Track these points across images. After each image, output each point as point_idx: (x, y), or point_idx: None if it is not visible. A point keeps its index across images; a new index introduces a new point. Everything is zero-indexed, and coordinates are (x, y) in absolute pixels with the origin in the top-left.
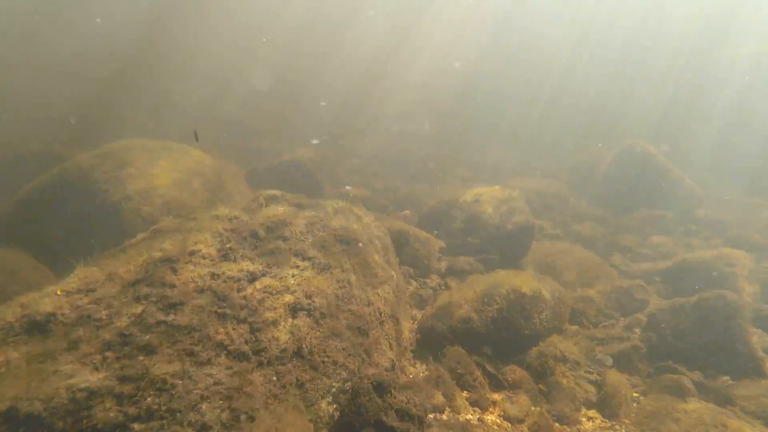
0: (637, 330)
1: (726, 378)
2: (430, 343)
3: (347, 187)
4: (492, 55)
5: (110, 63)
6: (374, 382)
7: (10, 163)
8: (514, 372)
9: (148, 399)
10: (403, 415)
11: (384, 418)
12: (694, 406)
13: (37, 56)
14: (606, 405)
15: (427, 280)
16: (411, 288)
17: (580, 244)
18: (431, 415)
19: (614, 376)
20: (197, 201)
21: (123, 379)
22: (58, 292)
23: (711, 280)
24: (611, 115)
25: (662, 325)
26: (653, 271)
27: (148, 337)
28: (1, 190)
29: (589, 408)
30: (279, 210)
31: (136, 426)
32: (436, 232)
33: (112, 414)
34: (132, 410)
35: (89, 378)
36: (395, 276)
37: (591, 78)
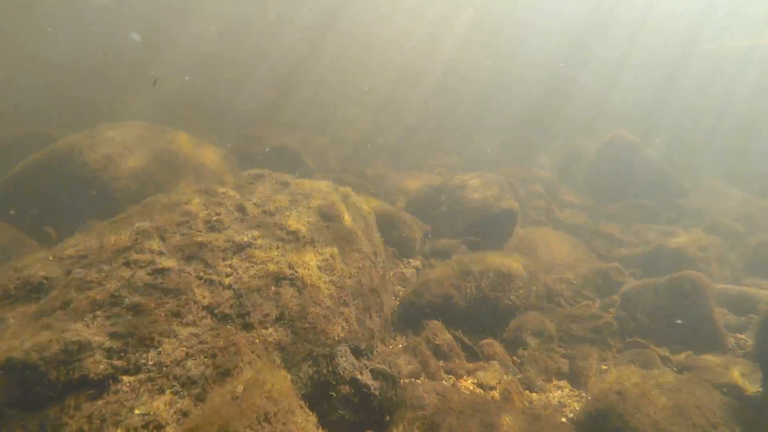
0: (612, 310)
1: (689, 352)
2: (410, 318)
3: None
4: (485, 48)
5: (108, 52)
6: (351, 345)
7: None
8: (491, 345)
9: (136, 354)
10: (378, 374)
11: (359, 376)
12: (656, 373)
13: (37, 47)
14: (576, 376)
15: (411, 260)
16: (396, 268)
17: (564, 231)
18: (407, 380)
19: (584, 350)
20: (187, 181)
21: (113, 335)
22: (51, 258)
23: (684, 264)
24: (605, 109)
25: (634, 304)
26: (632, 256)
27: (136, 298)
28: None
29: (560, 379)
30: (266, 186)
31: (124, 378)
32: (422, 216)
33: (102, 366)
34: (120, 363)
35: (80, 332)
36: (378, 253)
37: (586, 73)
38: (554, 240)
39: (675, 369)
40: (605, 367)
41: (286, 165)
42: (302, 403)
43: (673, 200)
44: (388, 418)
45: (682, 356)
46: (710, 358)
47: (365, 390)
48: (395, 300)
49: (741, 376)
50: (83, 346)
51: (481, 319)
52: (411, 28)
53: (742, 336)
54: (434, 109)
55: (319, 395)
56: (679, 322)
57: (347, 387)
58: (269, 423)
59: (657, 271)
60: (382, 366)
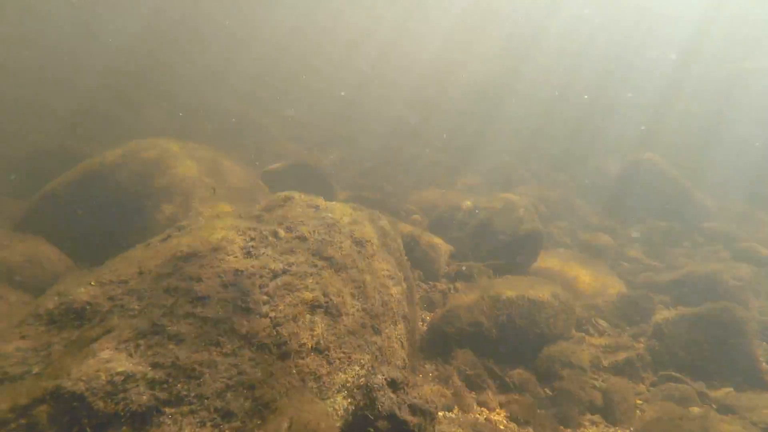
0: (642, 339)
1: (729, 389)
2: (439, 345)
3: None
4: (504, 63)
5: (128, 62)
6: (388, 378)
7: (30, 159)
8: (521, 375)
9: (178, 385)
10: (416, 410)
11: (397, 412)
12: (696, 413)
13: (54, 57)
14: (610, 410)
15: (437, 284)
16: (420, 291)
17: (588, 253)
18: (441, 413)
19: (619, 383)
20: (218, 200)
21: (155, 366)
22: (92, 283)
23: (717, 293)
24: (625, 127)
25: (667, 335)
26: (660, 282)
27: (177, 327)
28: (22, 185)
29: (593, 413)
30: (297, 211)
31: (167, 410)
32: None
33: (145, 397)
34: (163, 395)
35: (125, 363)
36: (408, 278)
37: (607, 90)
38: (580, 264)
39: (714, 406)
40: (640, 402)
41: (310, 182)
42: None
43: (699, 223)
44: None
45: (721, 393)
46: (752, 397)
47: (404, 426)
48: (422, 324)
49: None
50: (128, 377)
51: (511, 347)
52: (431, 46)
53: None
54: (457, 127)
55: (356, 429)
56: (706, 347)
57: (385, 422)
58: None
59: (686, 299)
60: (420, 401)
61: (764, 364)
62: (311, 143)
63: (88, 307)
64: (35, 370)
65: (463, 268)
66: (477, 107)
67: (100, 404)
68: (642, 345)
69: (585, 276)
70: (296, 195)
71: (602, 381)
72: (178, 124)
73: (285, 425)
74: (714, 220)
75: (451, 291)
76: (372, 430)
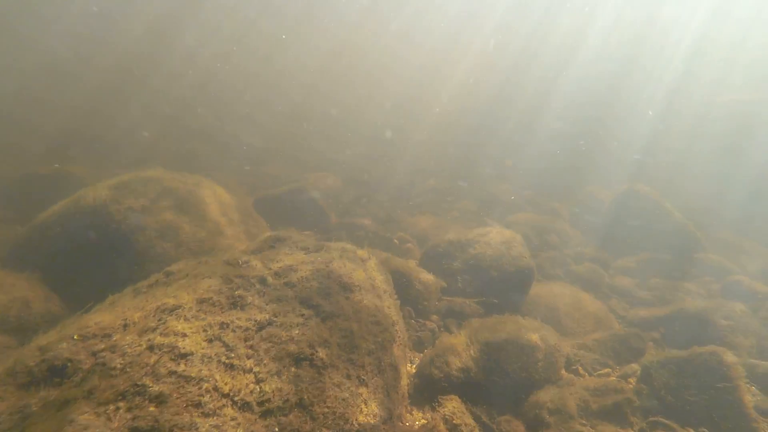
0: (631, 380)
1: None
2: (427, 390)
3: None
4: (499, 88)
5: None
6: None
7: (22, 182)
8: (509, 423)
9: None
10: None
11: None
12: None
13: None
14: None
15: (427, 322)
16: (410, 330)
17: (579, 285)
18: None
19: (605, 430)
20: (212, 236)
21: (133, 430)
22: (75, 337)
23: (707, 332)
24: (621, 160)
25: (655, 379)
26: (651, 318)
27: (159, 387)
28: (12, 210)
29: None
30: (287, 255)
31: None
32: (436, 273)
33: None
34: None
35: (103, 429)
36: (396, 322)
37: (601, 116)
38: (570, 297)
39: None
40: None
41: (302, 209)
42: None
43: (691, 254)
44: None
45: None
46: None
47: None
48: (411, 366)
49: None
50: None
51: (499, 393)
52: (426, 62)
53: None
54: (450, 152)
55: None
56: (693, 393)
57: None
58: None
59: (677, 336)
60: None
61: (752, 410)
62: (306, 167)
63: (69, 364)
64: None
65: (455, 305)
66: (471, 135)
67: None
68: (631, 386)
69: (576, 311)
70: (286, 235)
71: (590, 427)
72: (171, 146)
73: None
74: (706, 252)
75: (442, 329)
76: None
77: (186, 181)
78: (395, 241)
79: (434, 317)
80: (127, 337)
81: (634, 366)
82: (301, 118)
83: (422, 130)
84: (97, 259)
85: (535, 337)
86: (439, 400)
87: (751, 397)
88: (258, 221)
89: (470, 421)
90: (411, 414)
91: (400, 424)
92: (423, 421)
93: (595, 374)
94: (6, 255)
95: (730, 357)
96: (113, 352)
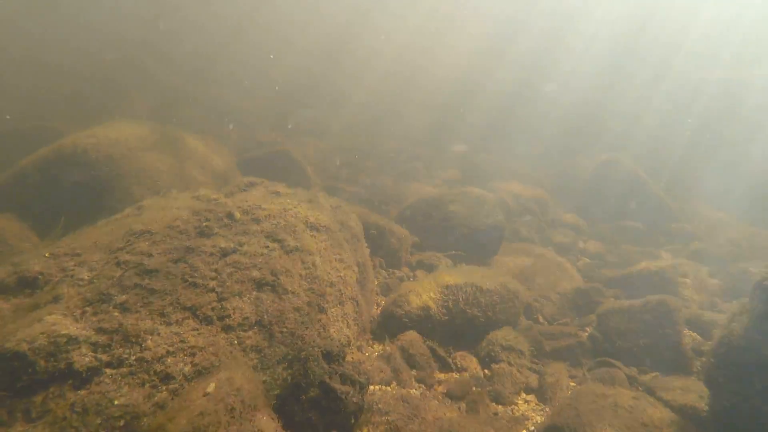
0: (588, 329)
1: (656, 373)
2: (389, 328)
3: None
4: (490, 60)
5: (118, 47)
6: (324, 351)
7: (5, 137)
8: (464, 358)
9: (120, 349)
10: (346, 379)
11: (327, 381)
12: (614, 392)
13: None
14: (543, 391)
15: (396, 271)
16: (380, 278)
17: (552, 249)
18: (378, 386)
19: (555, 367)
20: (186, 184)
21: (99, 330)
22: (47, 255)
23: (663, 288)
24: (603, 126)
25: (609, 325)
26: (615, 277)
27: (124, 297)
28: None
29: (528, 393)
30: (256, 195)
31: (107, 371)
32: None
33: (87, 359)
34: (105, 357)
35: (70, 327)
36: (362, 263)
37: (586, 88)
38: (541, 257)
39: (641, 389)
40: (573, 384)
41: (285, 171)
42: (269, 404)
43: (665, 224)
44: (353, 421)
45: (648, 377)
46: (674, 380)
47: (332, 394)
48: (377, 309)
49: (699, 397)
50: (71, 339)
51: (457, 331)
52: (417, 38)
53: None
54: (435, 121)
55: (290, 397)
56: (641, 336)
57: (316, 390)
58: (234, 419)
59: (638, 293)
60: (351, 372)
61: (690, 350)
62: (292, 132)
63: (40, 277)
64: None
65: (425, 257)
66: (456, 103)
67: (42, 363)
68: (586, 334)
69: (543, 269)
70: (258, 180)
71: (541, 365)
72: (161, 109)
73: (212, 385)
74: (680, 222)
75: (410, 278)
76: (304, 396)
77: (168, 131)
78: (376, 203)
79: (405, 268)
80: (96, 255)
81: (592, 317)
82: (292, 85)
83: (414, 98)
84: (75, 203)
85: (494, 283)
86: (399, 335)
87: (689, 339)
88: (239, 178)
89: (426, 351)
90: (372, 347)
91: (359, 353)
92: (381, 352)
93: (554, 324)
94: None
95: (675, 304)
96: (81, 266)
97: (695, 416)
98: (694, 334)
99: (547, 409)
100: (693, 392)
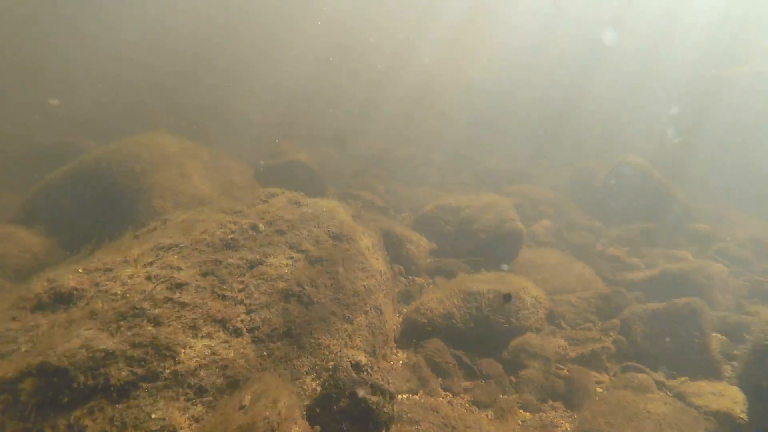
0: (612, 333)
1: (684, 378)
2: (412, 336)
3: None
4: (504, 65)
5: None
6: (352, 361)
7: (29, 153)
8: (490, 364)
9: (154, 363)
10: (376, 389)
11: (358, 391)
12: (643, 398)
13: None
14: (570, 398)
15: (416, 279)
16: (400, 285)
17: (570, 252)
18: (405, 395)
19: (581, 372)
20: (206, 195)
21: (134, 345)
22: (80, 270)
23: (688, 290)
24: (618, 130)
25: (634, 329)
26: (636, 280)
27: (156, 311)
28: (22, 179)
29: (555, 399)
30: (279, 206)
31: (143, 384)
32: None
33: (123, 373)
34: (140, 371)
35: (106, 342)
36: (383, 271)
37: (600, 93)
38: (560, 261)
39: (670, 394)
40: (600, 390)
41: (301, 179)
42: (303, 414)
43: (682, 224)
44: (384, 430)
45: (677, 382)
46: (704, 385)
47: (363, 404)
48: (398, 317)
49: (734, 403)
50: (108, 354)
51: (481, 338)
52: (424, 47)
53: (737, 364)
54: (447, 127)
55: (320, 407)
56: (667, 340)
57: (347, 400)
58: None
59: (660, 296)
60: (380, 382)
61: (717, 353)
62: (306, 142)
63: (74, 292)
64: (23, 348)
65: (444, 264)
66: (471, 109)
67: (81, 378)
68: (611, 338)
69: (564, 273)
70: (279, 191)
71: (567, 371)
72: (182, 123)
73: (248, 398)
74: (697, 221)
75: (430, 285)
76: (335, 407)
77: (186, 145)
78: (391, 211)
79: (424, 275)
80: (127, 270)
81: (616, 321)
82: (307, 95)
83: (432, 107)
84: (99, 216)
85: (515, 287)
86: (423, 343)
87: (717, 342)
88: (258, 189)
89: (451, 359)
90: (396, 356)
91: (384, 361)
92: (406, 361)
93: (577, 328)
94: (14, 215)
95: (702, 307)
96: (114, 281)
97: (731, 423)
98: (722, 337)
99: (575, 416)
100: (726, 397)
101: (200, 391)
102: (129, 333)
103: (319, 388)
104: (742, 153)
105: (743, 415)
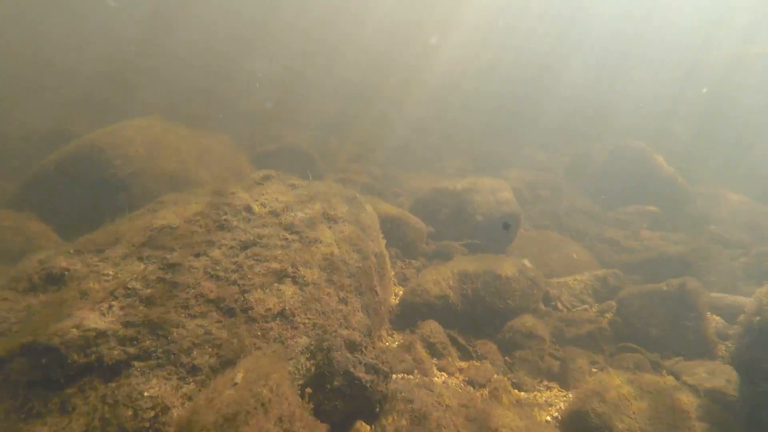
0: (608, 315)
1: (679, 358)
2: (408, 317)
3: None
4: (495, 49)
5: (127, 47)
6: (347, 341)
7: (24, 140)
8: (485, 345)
9: (147, 342)
10: (371, 369)
11: (352, 370)
12: (638, 377)
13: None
14: (565, 378)
15: (413, 261)
16: (397, 267)
17: (568, 235)
18: (400, 375)
19: (576, 353)
20: (201, 179)
21: (126, 324)
22: (71, 251)
23: (682, 272)
24: (612, 112)
25: (630, 310)
26: (634, 263)
27: (149, 291)
28: (16, 165)
29: (550, 379)
30: (273, 188)
31: (135, 363)
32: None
33: (116, 352)
34: (132, 350)
35: (98, 321)
36: (379, 253)
37: (592, 76)
38: (558, 244)
39: (665, 374)
40: (595, 370)
41: (298, 164)
42: (298, 391)
43: (680, 207)
44: (378, 409)
45: (671, 362)
46: (698, 365)
47: (357, 383)
48: (395, 299)
49: (727, 382)
50: (100, 333)
51: (476, 319)
52: (419, 31)
53: (731, 344)
54: (445, 111)
55: (315, 386)
56: (663, 321)
57: (341, 379)
58: (265, 408)
59: (657, 278)
60: (375, 361)
61: (712, 334)
62: (304, 127)
63: (66, 273)
64: (15, 328)
65: (441, 247)
66: (465, 94)
67: (74, 356)
68: (607, 319)
69: (562, 256)
70: (274, 173)
71: (562, 352)
72: (173, 107)
73: (240, 375)
74: (695, 204)
75: (427, 268)
76: (329, 385)
77: (181, 129)
78: (389, 195)
79: (421, 258)
80: (119, 251)
81: (612, 303)
82: (300, 81)
83: (423, 92)
84: (93, 201)
85: (511, 269)
86: (419, 324)
87: (712, 323)
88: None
89: (446, 340)
90: (392, 337)
91: (380, 342)
92: (402, 341)
93: (573, 310)
94: (9, 200)
95: (696, 287)
96: (106, 262)
97: (723, 401)
98: (717, 318)
99: (570, 395)
100: (719, 377)
101: (193, 370)
102: (121, 313)
103: (313, 368)
104: (748, 135)
105: (735, 393)
